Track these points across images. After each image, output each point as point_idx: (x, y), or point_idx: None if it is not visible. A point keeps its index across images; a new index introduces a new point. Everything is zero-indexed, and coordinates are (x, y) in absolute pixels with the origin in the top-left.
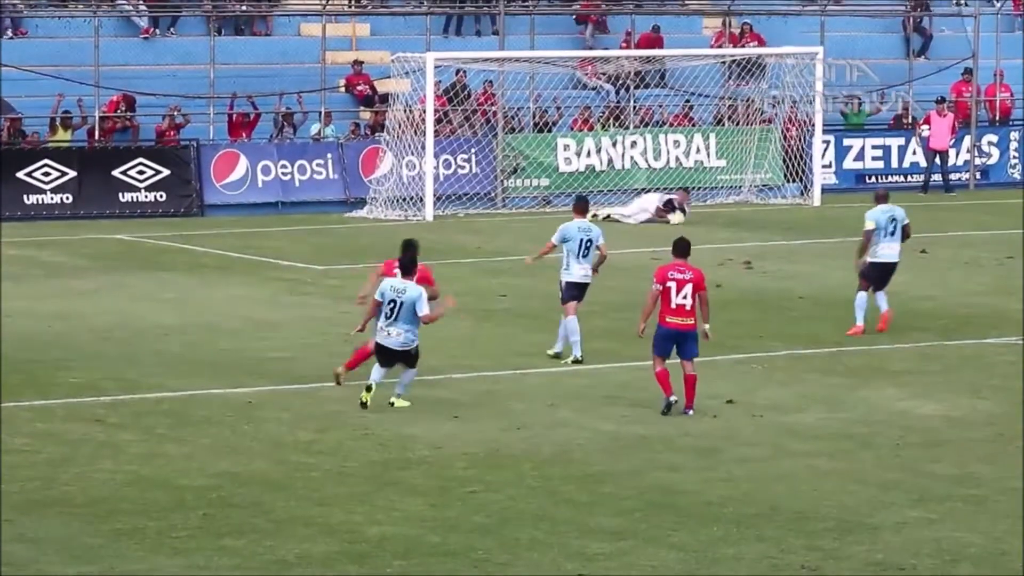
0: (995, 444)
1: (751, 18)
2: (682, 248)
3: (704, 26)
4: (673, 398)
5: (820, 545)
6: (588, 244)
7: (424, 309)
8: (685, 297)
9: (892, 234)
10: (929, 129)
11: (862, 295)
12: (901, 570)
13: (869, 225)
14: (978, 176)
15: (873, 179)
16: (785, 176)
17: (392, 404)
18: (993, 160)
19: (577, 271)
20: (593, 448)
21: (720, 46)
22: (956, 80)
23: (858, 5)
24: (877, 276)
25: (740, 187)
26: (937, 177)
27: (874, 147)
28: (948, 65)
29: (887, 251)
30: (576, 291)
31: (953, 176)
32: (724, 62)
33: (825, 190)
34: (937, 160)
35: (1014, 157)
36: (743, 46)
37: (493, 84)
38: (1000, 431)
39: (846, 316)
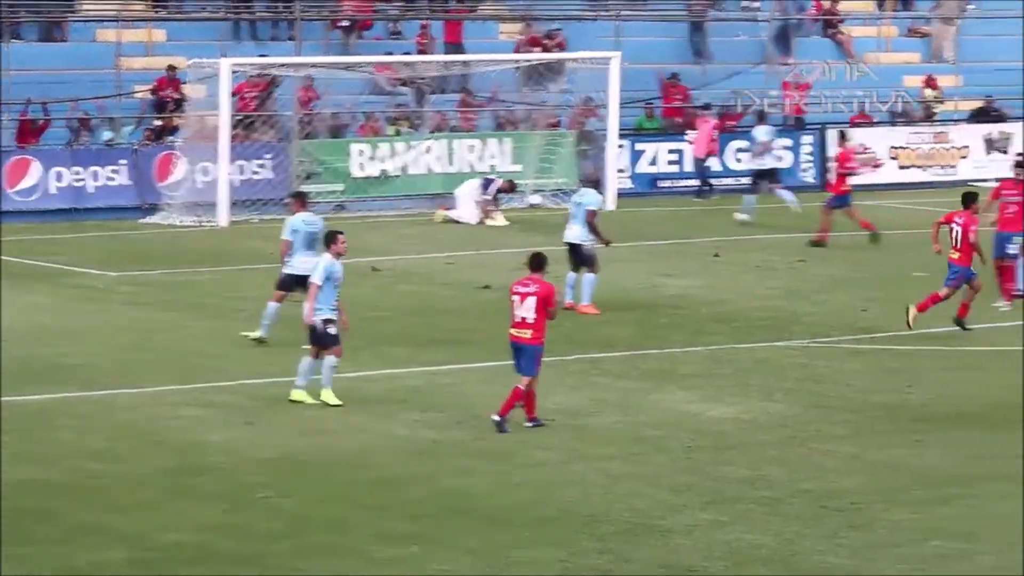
0: (787, 446)
1: (546, 24)
2: (532, 262)
3: (500, 31)
4: (496, 418)
5: (611, 548)
6: (313, 237)
7: (313, 277)
8: (527, 311)
9: (574, 217)
10: (696, 135)
11: (570, 275)
12: (692, 571)
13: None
14: None
15: (668, 183)
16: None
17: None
18: (786, 163)
19: (299, 263)
20: (387, 453)
21: (523, 51)
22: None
23: (653, 10)
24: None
25: (535, 191)
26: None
27: (670, 151)
28: (741, 69)
29: (566, 232)
30: (293, 282)
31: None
32: (521, 67)
33: (621, 194)
34: (704, 166)
35: (807, 160)
36: (548, 50)
37: (291, 88)
38: (792, 433)
39: (642, 319)
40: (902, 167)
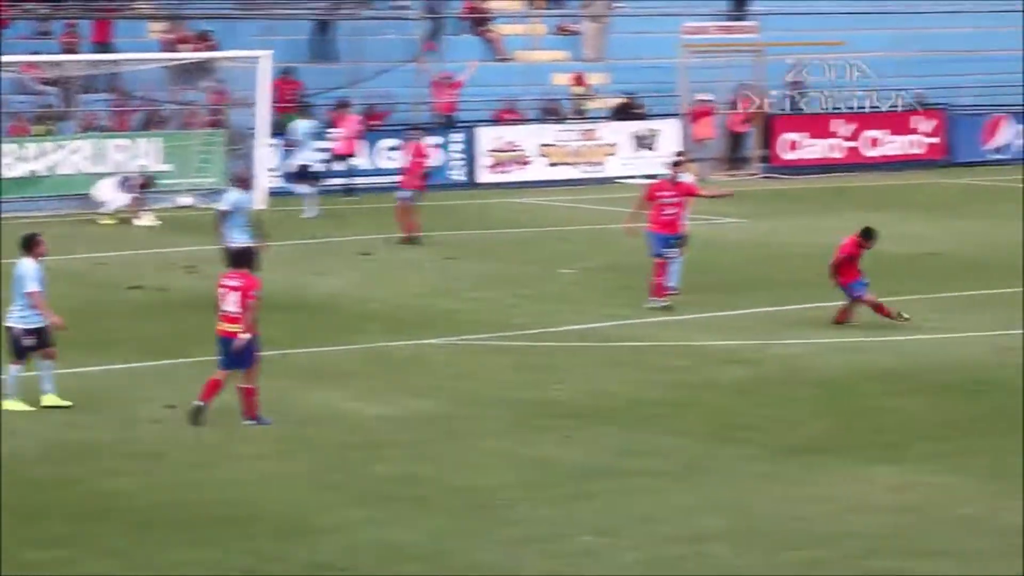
0: (437, 443)
1: (197, 22)
2: (237, 258)
3: (150, 30)
4: (200, 403)
5: (261, 548)
6: None
7: (29, 286)
8: (232, 305)
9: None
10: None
11: None
12: (342, 571)
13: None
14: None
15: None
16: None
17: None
18: (435, 162)
19: None
20: (35, 455)
21: (173, 50)
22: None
23: (303, 9)
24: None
25: (186, 191)
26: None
27: (318, 150)
28: (390, 67)
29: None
30: None
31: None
32: (171, 66)
33: (272, 193)
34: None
35: (457, 159)
36: (198, 49)
37: None
38: (442, 430)
39: (292, 318)
40: (552, 164)
